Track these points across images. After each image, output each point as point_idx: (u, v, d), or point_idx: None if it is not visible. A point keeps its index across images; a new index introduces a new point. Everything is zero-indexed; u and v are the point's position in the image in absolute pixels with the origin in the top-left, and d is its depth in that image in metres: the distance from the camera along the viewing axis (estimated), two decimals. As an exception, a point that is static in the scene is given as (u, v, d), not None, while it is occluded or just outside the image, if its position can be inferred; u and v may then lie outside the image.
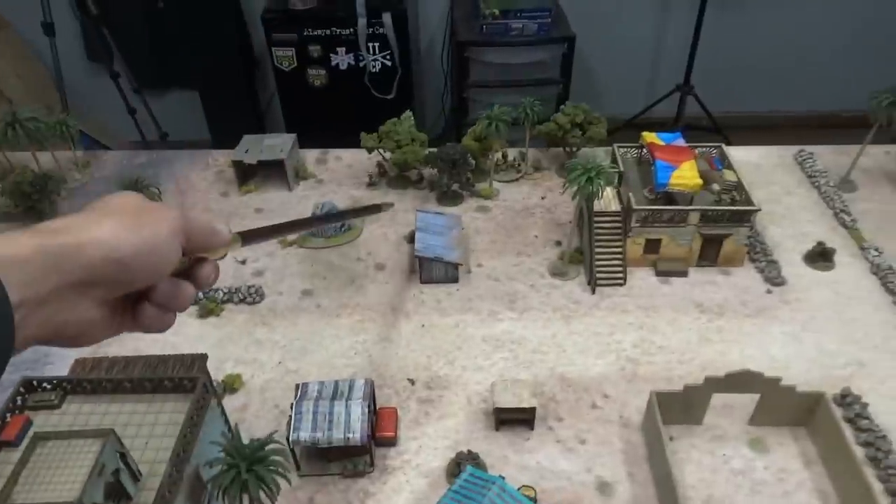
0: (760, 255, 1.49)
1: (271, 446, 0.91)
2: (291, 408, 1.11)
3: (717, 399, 1.17)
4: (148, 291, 0.54)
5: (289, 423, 1.10)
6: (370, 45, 3.06)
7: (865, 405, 1.18)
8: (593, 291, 1.44)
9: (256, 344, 1.36)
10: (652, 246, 1.46)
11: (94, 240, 0.48)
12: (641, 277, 1.47)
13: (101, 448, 0.82)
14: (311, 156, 1.89)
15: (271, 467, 0.89)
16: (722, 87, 3.81)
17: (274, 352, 1.35)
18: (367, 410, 1.10)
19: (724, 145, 1.58)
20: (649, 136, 1.55)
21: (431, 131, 3.83)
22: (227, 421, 1.09)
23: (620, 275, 1.45)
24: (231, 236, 0.60)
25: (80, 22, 3.47)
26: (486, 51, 3.17)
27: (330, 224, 1.57)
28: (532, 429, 1.18)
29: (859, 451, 1.13)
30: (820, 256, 1.48)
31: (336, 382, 1.16)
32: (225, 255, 0.60)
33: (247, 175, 1.77)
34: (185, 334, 1.38)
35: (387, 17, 2.98)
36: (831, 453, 1.10)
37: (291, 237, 1.60)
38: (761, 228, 1.58)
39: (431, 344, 1.35)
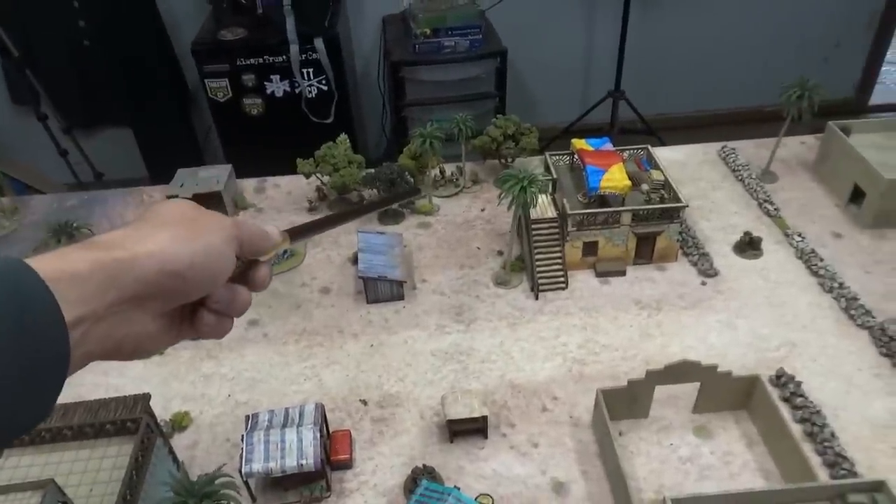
0: (693, 249, 1.55)
1: (220, 480, 0.90)
2: (242, 440, 1.10)
3: (662, 391, 1.21)
4: (204, 299, 0.54)
5: (241, 456, 1.09)
6: (304, 70, 3.06)
7: (799, 383, 1.24)
8: (536, 297, 1.47)
9: (204, 379, 1.34)
10: (590, 248, 1.51)
11: (148, 253, 0.47)
12: (582, 280, 1.51)
13: (42, 499, 0.80)
14: (249, 185, 1.88)
15: (222, 501, 0.88)
16: (652, 90, 3.96)
17: (222, 385, 1.33)
18: (318, 435, 1.09)
19: (650, 147, 1.64)
20: (579, 143, 1.60)
21: (374, 152, 3.85)
22: (175, 459, 1.07)
23: (562, 279, 1.48)
24: (280, 239, 0.60)
25: (1, 65, 3.37)
26: (420, 69, 3.21)
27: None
28: (486, 437, 1.20)
29: (797, 428, 1.18)
30: (748, 246, 1.54)
31: (286, 410, 1.15)
32: (273, 254, 0.60)
33: (184, 209, 1.75)
34: (129, 376, 1.35)
35: (319, 43, 2.99)
36: (771, 432, 1.15)
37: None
38: (692, 223, 1.64)
39: (381, 363, 1.35)
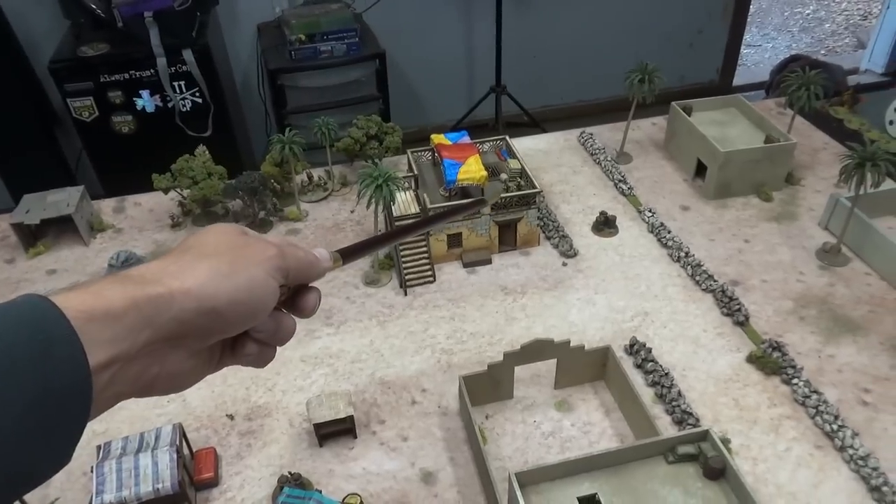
0: (554, 233, 1.61)
1: (54, 516, 0.86)
2: (92, 470, 1.05)
3: (526, 371, 1.26)
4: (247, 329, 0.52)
5: (92, 488, 1.04)
6: (175, 84, 2.95)
7: (650, 350, 1.31)
8: (406, 293, 1.48)
9: (58, 413, 1.27)
10: (454, 240, 1.53)
11: (185, 290, 0.44)
12: (450, 272, 1.54)
13: None
14: (107, 206, 1.79)
15: (55, 538, 0.84)
16: (533, 84, 4.08)
17: (79, 417, 1.26)
18: (174, 456, 1.06)
19: (507, 137, 1.69)
20: (437, 138, 1.63)
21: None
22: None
23: (429, 273, 1.50)
24: (331, 263, 0.57)
25: None
26: (298, 76, 3.18)
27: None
28: (355, 437, 1.20)
29: (649, 392, 1.26)
30: (604, 225, 1.62)
31: (141, 435, 1.11)
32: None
33: (36, 237, 1.65)
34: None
35: (188, 54, 2.89)
36: (624, 399, 1.21)
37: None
38: (554, 207, 1.71)
39: (249, 374, 1.32)
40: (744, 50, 5.00)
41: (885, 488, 1.04)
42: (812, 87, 1.68)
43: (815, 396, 1.20)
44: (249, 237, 0.52)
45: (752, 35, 5.66)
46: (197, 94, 3.00)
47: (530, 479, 0.92)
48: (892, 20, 4.49)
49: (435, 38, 3.84)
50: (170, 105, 3.00)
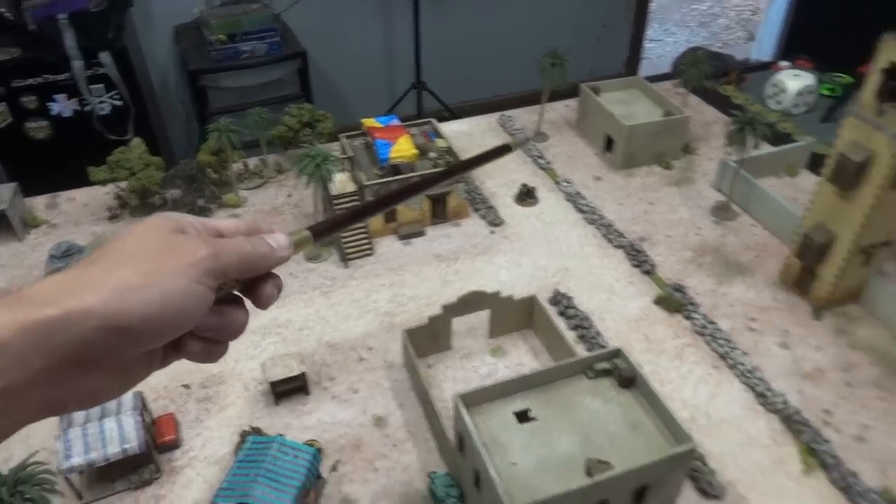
0: (481, 205, 1.74)
1: (32, 467, 0.91)
2: (57, 438, 1.10)
3: (462, 324, 1.38)
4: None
5: (60, 453, 1.08)
6: (93, 87, 2.92)
7: (571, 299, 1.46)
8: (346, 266, 1.58)
9: (11, 397, 1.29)
10: (390, 215, 1.65)
11: (85, 310, 0.39)
12: (387, 245, 1.65)
13: None
14: (39, 202, 1.80)
15: (37, 486, 0.89)
16: (453, 80, 4.24)
17: (33, 399, 1.29)
18: (139, 419, 1.12)
19: (434, 120, 1.81)
20: (368, 122, 1.74)
21: (186, 166, 3.74)
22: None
23: (367, 246, 1.61)
24: (291, 249, 0.52)
25: None
26: (220, 76, 3.20)
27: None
28: (308, 394, 1.29)
29: (571, 335, 1.41)
30: (526, 196, 1.77)
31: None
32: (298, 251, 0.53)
33: (-33, 236, 1.65)
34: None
35: (105, 56, 2.86)
36: (551, 342, 1.35)
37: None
38: (479, 183, 1.85)
39: (201, 348, 1.39)
40: (647, 44, 5.35)
41: (767, 393, 1.23)
42: (700, 65, 1.90)
43: (711, 327, 1.38)
44: (178, 237, 0.46)
45: (655, 30, 6.04)
46: (116, 96, 2.97)
47: (473, 400, 1.04)
48: (774, 14, 4.93)
49: (354, 38, 3.93)
50: (87, 109, 2.95)
